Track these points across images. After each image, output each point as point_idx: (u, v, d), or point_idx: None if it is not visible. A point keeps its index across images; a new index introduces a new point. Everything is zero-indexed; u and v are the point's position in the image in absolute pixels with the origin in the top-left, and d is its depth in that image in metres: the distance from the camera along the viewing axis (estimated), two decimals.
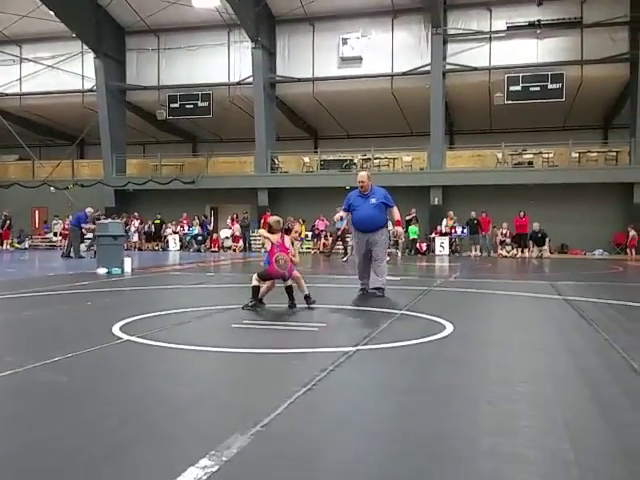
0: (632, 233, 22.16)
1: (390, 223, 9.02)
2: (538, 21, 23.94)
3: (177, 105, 27.91)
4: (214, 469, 2.26)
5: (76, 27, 25.96)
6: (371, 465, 2.37)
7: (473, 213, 22.84)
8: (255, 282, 6.75)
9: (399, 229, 8.80)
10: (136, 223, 26.45)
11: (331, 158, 27.27)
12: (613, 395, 3.41)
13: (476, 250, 22.67)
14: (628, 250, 22.10)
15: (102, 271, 12.15)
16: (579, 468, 2.33)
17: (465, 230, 23.57)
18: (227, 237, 26.30)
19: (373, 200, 8.47)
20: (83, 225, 19.25)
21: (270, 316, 6.30)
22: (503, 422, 2.91)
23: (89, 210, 20.01)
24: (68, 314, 6.65)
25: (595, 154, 24.97)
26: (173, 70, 28.00)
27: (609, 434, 2.75)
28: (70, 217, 20.78)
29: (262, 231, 7.18)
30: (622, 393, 3.44)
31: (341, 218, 9.09)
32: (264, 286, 6.91)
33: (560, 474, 2.29)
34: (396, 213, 8.60)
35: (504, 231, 22.81)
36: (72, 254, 18.87)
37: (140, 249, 25.73)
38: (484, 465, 2.38)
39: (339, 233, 20.52)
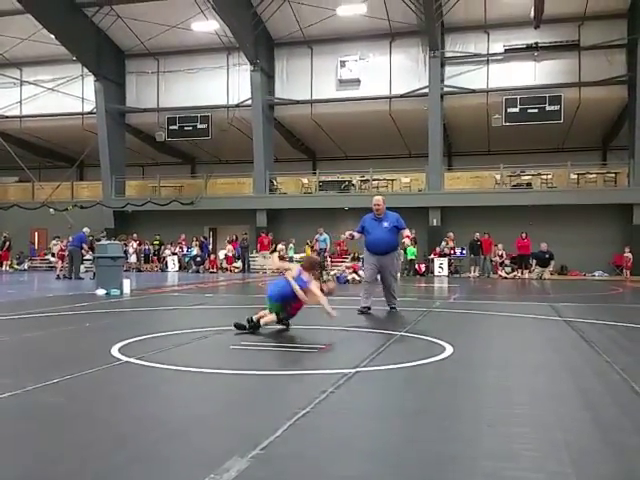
0: (627, 255, 22.23)
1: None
2: (536, 44, 24.20)
3: (176, 127, 28.08)
4: None
5: (76, 50, 26.21)
6: None
7: (477, 234, 22.81)
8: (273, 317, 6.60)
9: (407, 240, 9.17)
10: (134, 244, 26.42)
11: (329, 179, 27.37)
12: (614, 417, 3.39)
13: (475, 271, 22.64)
14: (624, 271, 22.14)
15: (101, 292, 12.12)
16: None
17: (464, 251, 23.57)
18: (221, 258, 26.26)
19: (386, 224, 8.92)
20: (84, 245, 19.31)
21: (268, 337, 6.27)
22: (503, 445, 2.89)
23: (86, 230, 20.03)
24: (67, 335, 6.62)
25: (594, 175, 25.06)
26: (172, 92, 28.22)
27: (610, 456, 2.73)
28: (70, 238, 20.70)
29: (287, 265, 7.24)
30: (623, 415, 3.42)
31: (352, 236, 9.29)
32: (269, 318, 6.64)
33: None
34: (406, 231, 9.05)
35: (500, 252, 22.81)
36: (71, 275, 18.85)
37: (139, 270, 25.68)
38: None
39: (324, 254, 20.72)
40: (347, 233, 9.34)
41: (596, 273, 23.39)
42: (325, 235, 21.16)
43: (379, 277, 9.18)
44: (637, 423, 3.25)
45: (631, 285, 17.58)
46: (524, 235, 22.28)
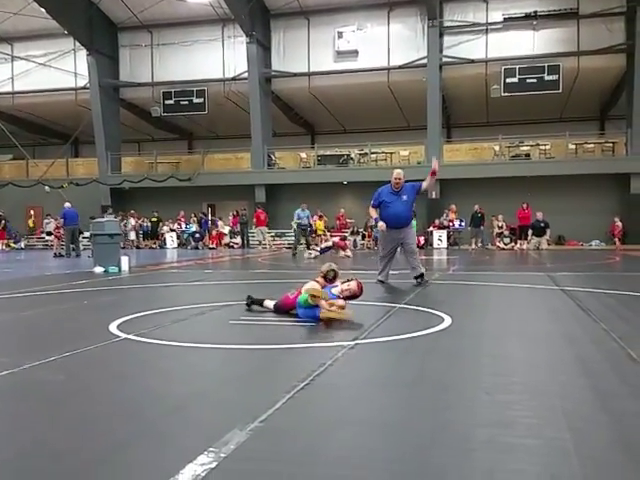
0: (617, 224, 22.30)
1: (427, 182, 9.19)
2: (534, 12, 23.92)
3: (172, 102, 27.84)
4: (212, 465, 2.25)
5: (68, 24, 25.87)
6: (371, 459, 2.36)
7: (477, 206, 22.77)
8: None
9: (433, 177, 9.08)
10: (132, 221, 26.37)
11: (328, 153, 27.23)
12: (611, 384, 3.40)
13: (476, 243, 22.62)
14: (616, 240, 22.24)
15: (99, 270, 12.12)
16: (579, 457, 2.32)
17: (463, 223, 23.56)
18: (225, 234, 26.29)
19: (405, 197, 8.90)
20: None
21: (267, 313, 6.28)
22: (501, 413, 2.90)
23: (67, 205, 19.77)
24: (65, 313, 6.63)
25: (592, 145, 24.98)
26: (167, 66, 27.92)
27: (608, 423, 2.74)
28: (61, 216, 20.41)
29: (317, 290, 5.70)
30: (620, 382, 3.44)
31: (376, 220, 9.31)
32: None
33: (560, 463, 2.28)
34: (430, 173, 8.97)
35: (500, 223, 22.79)
36: (70, 252, 18.81)
37: (138, 247, 25.68)
38: (483, 456, 2.37)
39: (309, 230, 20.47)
40: (380, 224, 9.05)
41: (593, 242, 23.45)
42: (307, 211, 20.24)
43: (399, 250, 9.25)
44: (634, 390, 3.27)
45: (628, 253, 17.60)
46: (525, 206, 22.21)
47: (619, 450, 2.41)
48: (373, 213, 9.37)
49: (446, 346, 4.54)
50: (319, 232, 23.66)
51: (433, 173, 8.96)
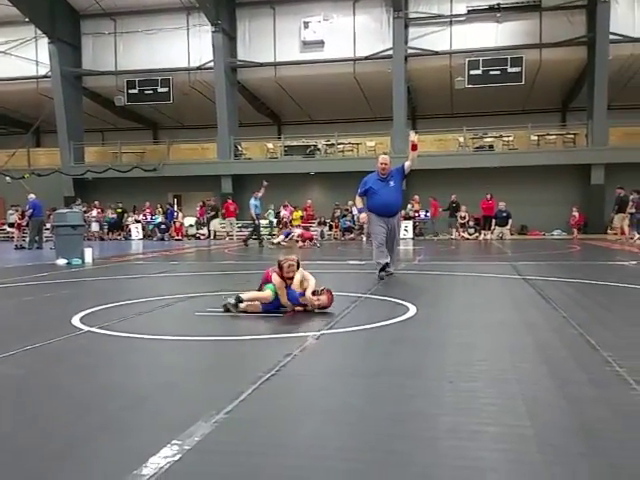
0: (574, 214, 22.80)
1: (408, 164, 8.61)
2: (498, 4, 24.17)
3: (136, 91, 27.40)
4: (176, 458, 2.24)
5: (29, 11, 25.26)
6: (335, 448, 2.38)
7: (454, 196, 23.03)
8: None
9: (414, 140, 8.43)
10: (95, 212, 25.91)
11: (295, 144, 27.17)
12: (570, 370, 3.48)
13: (458, 232, 22.87)
14: (573, 229, 22.74)
15: (62, 262, 11.91)
16: (538, 444, 2.37)
17: (428, 214, 23.80)
18: (191, 225, 26.07)
19: (392, 183, 8.49)
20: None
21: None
22: (464, 400, 2.95)
23: (32, 196, 19.33)
24: (27, 306, 6.51)
25: (553, 137, 25.43)
26: (131, 55, 27.46)
27: (567, 409, 2.80)
28: (27, 207, 19.93)
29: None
30: (579, 368, 3.52)
31: (360, 211, 8.97)
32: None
33: (520, 450, 2.33)
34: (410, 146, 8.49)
35: (463, 214, 23.08)
36: (32, 245, 18.37)
37: (102, 239, 25.29)
38: (446, 443, 2.41)
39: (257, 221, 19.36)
40: (362, 216, 8.93)
41: (555, 232, 23.91)
42: (256, 201, 18.60)
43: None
44: (592, 376, 3.35)
45: (587, 243, 18.01)
46: (489, 196, 22.55)
47: (577, 436, 2.47)
48: (358, 202, 8.94)
49: (411, 335, 4.59)
50: (295, 222, 23.67)
51: (414, 147, 8.44)
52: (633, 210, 18.99)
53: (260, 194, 18.48)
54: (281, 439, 2.48)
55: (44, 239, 19.08)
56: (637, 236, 18.51)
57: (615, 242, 18.35)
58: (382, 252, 8.53)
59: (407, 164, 8.53)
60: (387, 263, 8.44)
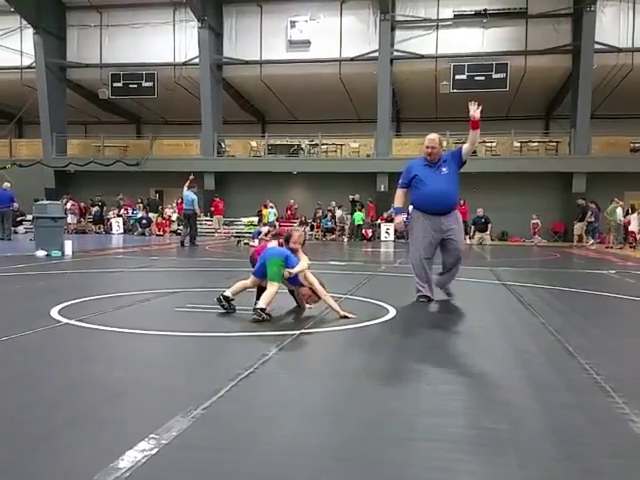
0: (536, 221, 23.14)
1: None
2: (484, 10, 24.32)
3: (120, 84, 27.17)
4: (153, 452, 2.23)
5: (14, 1, 24.92)
6: (312, 447, 2.39)
7: None
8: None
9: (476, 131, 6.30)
10: (69, 204, 25.57)
11: (278, 143, 27.13)
12: (547, 375, 3.52)
13: None
14: (535, 236, 23.06)
15: (41, 254, 11.79)
16: (515, 448, 2.40)
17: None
18: (174, 220, 25.90)
19: (445, 169, 6.41)
20: (15, 204, 18.39)
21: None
22: (441, 403, 2.97)
23: (7, 185, 18.84)
24: (4, 297, 6.43)
25: (536, 144, 25.65)
26: (116, 48, 27.22)
27: (544, 414, 2.83)
28: None
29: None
30: (556, 373, 3.56)
31: (396, 212, 6.90)
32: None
33: (496, 453, 2.35)
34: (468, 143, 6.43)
35: None
36: (3, 236, 18.01)
37: (84, 232, 25.04)
38: (422, 445, 2.42)
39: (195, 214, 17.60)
40: (397, 220, 7.03)
41: (535, 239, 24.13)
42: (194, 196, 17.15)
43: (438, 250, 6.57)
44: (569, 382, 3.38)
45: (567, 251, 18.23)
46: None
47: (552, 441, 2.50)
48: (398, 199, 6.69)
49: (390, 337, 4.61)
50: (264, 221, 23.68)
51: (474, 124, 6.23)
52: (592, 219, 21.19)
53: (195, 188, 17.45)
54: (258, 436, 2.48)
55: (11, 230, 18.45)
56: (591, 241, 20.88)
57: (573, 247, 20.56)
58: (421, 277, 6.50)
59: (466, 147, 6.44)
60: (428, 297, 6.48)
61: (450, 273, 6.60)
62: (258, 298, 5.32)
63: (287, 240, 5.68)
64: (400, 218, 6.91)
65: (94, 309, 5.43)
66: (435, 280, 6.62)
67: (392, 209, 6.92)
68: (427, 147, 6.45)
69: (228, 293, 5.51)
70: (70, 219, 25.14)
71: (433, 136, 6.52)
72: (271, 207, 23.80)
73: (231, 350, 4.14)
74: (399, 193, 6.70)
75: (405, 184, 6.59)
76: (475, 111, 6.20)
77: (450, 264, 6.55)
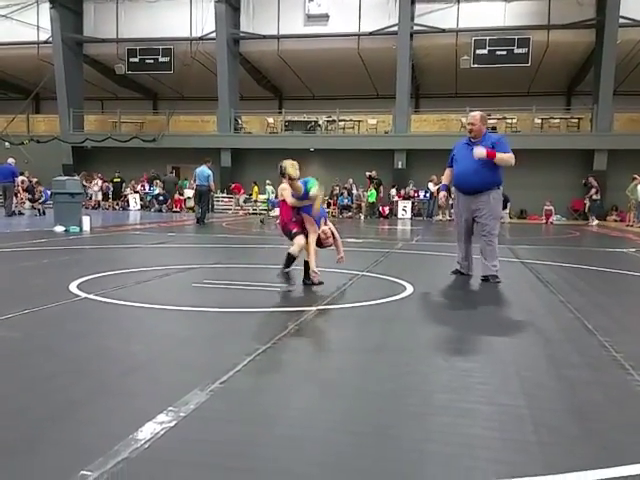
0: (550, 207, 22.64)
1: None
2: None
3: (137, 60, 27.06)
4: (171, 424, 2.25)
5: None
6: (327, 420, 2.39)
7: None
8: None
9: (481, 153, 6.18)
10: (99, 182, 25.89)
11: (295, 119, 26.95)
12: (566, 353, 3.49)
13: (446, 215, 22.73)
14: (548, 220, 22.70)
15: (59, 229, 11.89)
16: (533, 424, 2.38)
17: (427, 194, 23.69)
18: (189, 197, 25.95)
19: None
20: (16, 179, 18.30)
21: (232, 276, 6.25)
22: (458, 379, 2.96)
23: (11, 161, 18.43)
24: (24, 272, 6.50)
25: (558, 120, 25.23)
26: (133, 23, 27.05)
27: (562, 391, 2.82)
28: None
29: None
30: (575, 351, 3.53)
31: (442, 188, 6.90)
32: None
33: (514, 429, 2.34)
34: (505, 155, 6.41)
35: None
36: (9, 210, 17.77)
37: (104, 208, 25.26)
38: (439, 420, 2.42)
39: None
40: (441, 194, 6.92)
41: (554, 217, 23.86)
42: (209, 171, 16.65)
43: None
44: (588, 359, 3.36)
45: (592, 230, 18.03)
46: None
47: (572, 418, 2.48)
48: (445, 176, 6.82)
49: (407, 314, 4.59)
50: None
51: (491, 156, 6.27)
52: (598, 197, 21.34)
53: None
54: (274, 410, 2.49)
55: (12, 205, 17.86)
56: (595, 222, 20.85)
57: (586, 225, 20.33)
58: (460, 249, 6.81)
59: (498, 158, 6.44)
60: (461, 272, 6.74)
61: (483, 253, 6.57)
62: (306, 275, 5.61)
63: (283, 174, 5.86)
64: (443, 193, 6.91)
65: (113, 284, 5.48)
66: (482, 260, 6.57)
67: (433, 187, 6.75)
68: (469, 124, 6.46)
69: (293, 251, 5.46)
70: (97, 196, 25.40)
71: (473, 113, 6.51)
72: (268, 184, 23.81)
73: (248, 325, 4.16)
74: (446, 172, 6.79)
75: (449, 163, 6.68)
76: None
77: (480, 245, 6.57)
